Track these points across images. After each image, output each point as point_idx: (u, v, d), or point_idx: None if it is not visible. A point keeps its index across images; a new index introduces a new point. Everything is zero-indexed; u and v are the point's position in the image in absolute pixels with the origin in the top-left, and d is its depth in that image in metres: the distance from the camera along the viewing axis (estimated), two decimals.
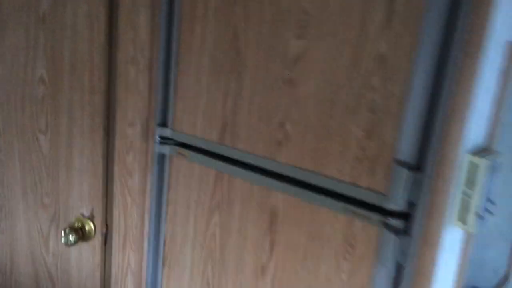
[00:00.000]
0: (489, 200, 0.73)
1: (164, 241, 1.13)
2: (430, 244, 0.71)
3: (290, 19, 0.79)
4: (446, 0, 0.63)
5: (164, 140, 1.06)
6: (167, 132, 1.05)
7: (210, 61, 0.93)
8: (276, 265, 0.91)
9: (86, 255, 1.22)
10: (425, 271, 0.72)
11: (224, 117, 0.94)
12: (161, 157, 1.08)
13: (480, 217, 0.70)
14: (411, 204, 0.71)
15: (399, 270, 0.74)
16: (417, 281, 0.73)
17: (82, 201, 1.19)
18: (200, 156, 1.00)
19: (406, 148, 0.70)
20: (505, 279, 1.13)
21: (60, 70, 1.09)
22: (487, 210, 0.73)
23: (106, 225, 1.19)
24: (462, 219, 0.71)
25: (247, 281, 0.96)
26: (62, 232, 1.17)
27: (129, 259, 1.18)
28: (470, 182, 0.69)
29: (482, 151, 0.72)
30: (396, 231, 0.72)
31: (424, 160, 0.69)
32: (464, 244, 0.79)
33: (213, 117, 0.95)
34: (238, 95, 0.90)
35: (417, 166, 0.70)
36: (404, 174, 0.69)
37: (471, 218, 0.70)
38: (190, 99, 0.99)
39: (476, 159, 0.68)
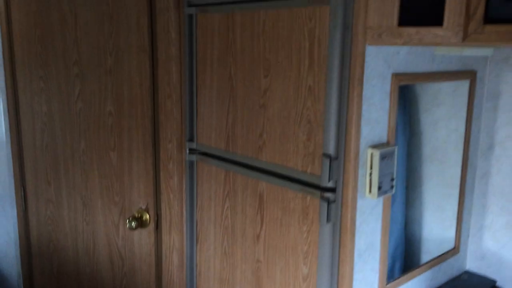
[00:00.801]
0: (392, 178, 1.09)
1: (196, 225, 1.56)
2: (348, 208, 1.07)
3: (259, 65, 1.21)
4: (339, 53, 1.01)
5: (192, 151, 1.50)
6: (193, 145, 1.49)
7: (216, 93, 1.37)
8: (265, 233, 1.30)
9: (144, 238, 1.68)
10: (348, 227, 1.08)
11: (227, 131, 1.36)
12: (191, 164, 1.52)
13: (380, 188, 1.05)
14: (336, 183, 1.08)
15: (333, 227, 1.11)
16: (344, 235, 1.09)
17: (140, 198, 1.65)
18: (214, 161, 1.43)
19: (328, 145, 1.07)
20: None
21: (122, 105, 1.58)
22: (391, 185, 1.09)
23: (157, 215, 1.65)
24: (370, 191, 1.07)
25: (249, 246, 1.36)
26: (127, 220, 1.64)
27: (174, 240, 1.62)
28: (372, 166, 1.06)
29: (380, 145, 1.08)
30: (328, 201, 1.09)
31: (339, 153, 1.06)
32: (383, 210, 1.14)
33: (220, 132, 1.38)
34: (235, 116, 1.33)
35: (336, 156, 1.07)
36: (328, 162, 1.07)
37: (375, 189, 1.06)
38: (206, 120, 1.43)
39: (373, 150, 1.05)
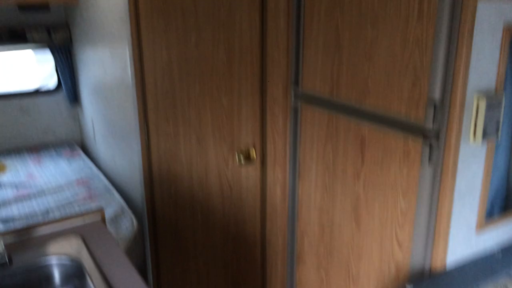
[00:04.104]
0: (497, 125, 1.15)
1: (299, 162, 1.73)
2: (451, 152, 1.16)
3: (367, 17, 1.29)
4: (450, 6, 1.06)
5: (297, 96, 1.64)
6: (298, 91, 1.63)
7: (322, 45, 1.47)
8: (365, 172, 1.44)
9: (250, 172, 1.89)
10: (449, 170, 1.18)
11: (331, 79, 1.47)
12: (295, 108, 1.67)
13: (485, 133, 1.13)
14: (439, 127, 1.17)
15: (434, 170, 1.21)
16: (444, 177, 1.19)
17: (247, 137, 1.85)
18: (318, 105, 1.56)
19: (434, 92, 1.15)
20: None
21: (232, 55, 1.75)
22: (496, 132, 1.15)
23: (263, 152, 1.84)
24: (475, 136, 1.15)
25: (349, 183, 1.51)
26: (236, 156, 1.86)
27: (277, 174, 1.82)
28: (478, 112, 1.13)
29: (487, 92, 1.13)
30: (430, 145, 1.19)
31: (445, 99, 1.14)
32: (486, 156, 1.21)
33: (325, 79, 1.50)
34: (340, 64, 1.43)
35: (441, 103, 1.15)
36: (433, 108, 1.15)
37: (479, 135, 1.13)
38: (311, 68, 1.55)
39: (479, 97, 1.11)
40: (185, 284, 2.28)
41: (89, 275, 1.25)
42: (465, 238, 1.30)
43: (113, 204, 2.36)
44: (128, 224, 2.21)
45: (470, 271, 1.26)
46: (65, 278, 1.36)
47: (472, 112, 1.14)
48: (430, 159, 1.20)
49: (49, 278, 1.35)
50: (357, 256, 1.53)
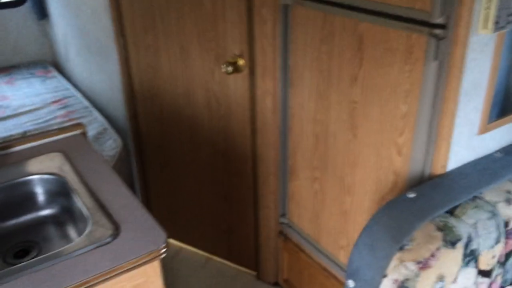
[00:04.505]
0: (510, 13, 1.03)
1: (290, 69, 1.61)
2: (459, 45, 1.05)
3: None
4: None
5: None
6: None
7: None
8: (363, 74, 1.33)
9: (239, 82, 1.77)
10: (457, 64, 1.07)
11: None
12: (285, 8, 1.51)
13: (497, 23, 1.01)
14: (447, 18, 1.05)
15: (440, 65, 1.11)
16: (451, 72, 1.09)
17: (234, 44, 1.71)
18: (311, 3, 1.40)
19: None
20: None
21: None
22: (508, 20, 1.03)
23: (251, 60, 1.71)
24: (485, 27, 1.03)
25: (345, 88, 1.40)
26: (223, 66, 1.72)
27: (267, 84, 1.70)
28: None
29: None
30: (437, 38, 1.07)
31: None
32: (495, 49, 1.11)
33: None
34: None
35: None
36: None
37: (491, 24, 1.02)
38: None
39: None
40: (175, 203, 2.25)
41: (74, 191, 1.17)
42: (467, 141, 1.23)
43: (95, 124, 2.25)
44: (112, 144, 2.12)
45: (472, 173, 1.20)
46: (49, 196, 1.28)
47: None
48: (436, 54, 1.09)
49: (32, 196, 1.27)
50: (353, 166, 1.47)
